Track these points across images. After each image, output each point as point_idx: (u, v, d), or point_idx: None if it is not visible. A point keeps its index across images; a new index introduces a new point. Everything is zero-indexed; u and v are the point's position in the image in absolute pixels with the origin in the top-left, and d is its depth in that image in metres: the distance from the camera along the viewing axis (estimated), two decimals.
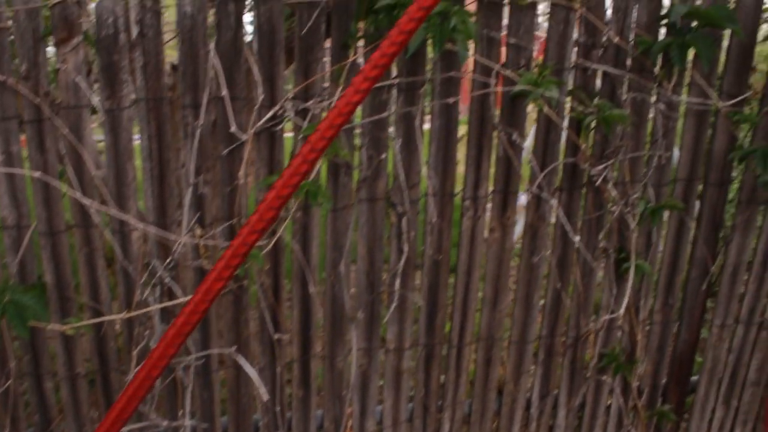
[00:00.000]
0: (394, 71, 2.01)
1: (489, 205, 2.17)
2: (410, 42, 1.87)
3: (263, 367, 2.20)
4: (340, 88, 1.95)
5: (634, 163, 2.20)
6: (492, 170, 2.14)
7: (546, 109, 2.01)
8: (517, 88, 1.95)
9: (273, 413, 2.25)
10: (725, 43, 2.22)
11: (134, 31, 1.89)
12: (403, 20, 1.04)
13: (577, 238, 2.20)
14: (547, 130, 2.11)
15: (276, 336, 2.16)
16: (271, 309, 2.13)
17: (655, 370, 2.48)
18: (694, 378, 2.59)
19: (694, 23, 2.07)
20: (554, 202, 2.12)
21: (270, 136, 1.99)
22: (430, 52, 1.97)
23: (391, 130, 2.06)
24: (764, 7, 2.18)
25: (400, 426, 2.37)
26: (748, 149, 2.18)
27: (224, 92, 1.94)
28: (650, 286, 2.36)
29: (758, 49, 2.25)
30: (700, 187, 2.31)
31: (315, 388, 2.28)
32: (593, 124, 2.07)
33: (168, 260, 2.01)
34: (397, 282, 2.16)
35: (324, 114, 1.98)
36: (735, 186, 2.64)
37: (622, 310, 2.24)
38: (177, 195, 2.04)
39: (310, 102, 1.98)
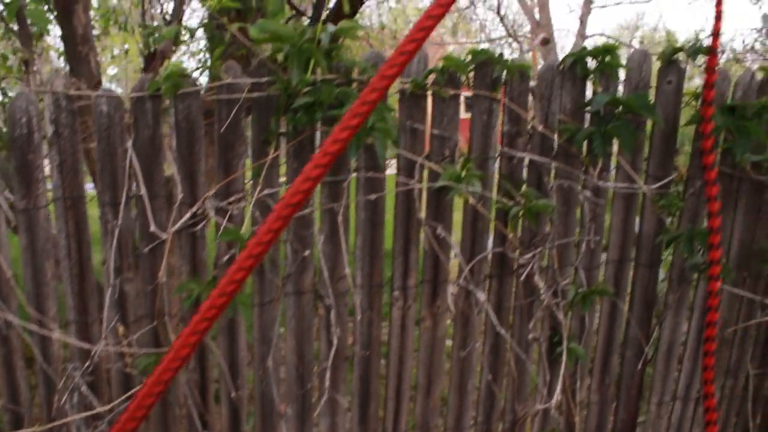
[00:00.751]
0: None
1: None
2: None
3: None
4: (259, 187, 1.92)
5: (563, 248, 2.19)
6: (421, 260, 2.12)
7: (471, 200, 2.00)
8: (440, 183, 1.94)
9: None
10: (650, 126, 2.24)
11: (49, 130, 1.86)
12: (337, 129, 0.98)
13: (502, 331, 2.18)
14: (474, 219, 2.10)
15: None
16: (198, 406, 2.07)
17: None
18: None
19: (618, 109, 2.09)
20: (480, 294, 2.10)
21: (191, 234, 1.95)
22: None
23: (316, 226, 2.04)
24: (684, 91, 2.20)
25: None
26: (674, 234, 2.19)
27: (143, 191, 1.90)
28: (586, 367, 2.34)
29: (683, 130, 2.28)
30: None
31: None
32: (520, 214, 2.07)
33: (87, 365, 1.95)
34: (328, 374, 2.11)
35: (247, 210, 1.95)
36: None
37: (555, 398, 2.22)
38: (98, 293, 1.99)
39: (232, 199, 1.95)
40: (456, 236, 2.09)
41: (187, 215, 1.91)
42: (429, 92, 2.00)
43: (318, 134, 1.96)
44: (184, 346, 1.02)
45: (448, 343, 2.43)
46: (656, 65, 2.22)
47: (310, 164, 0.92)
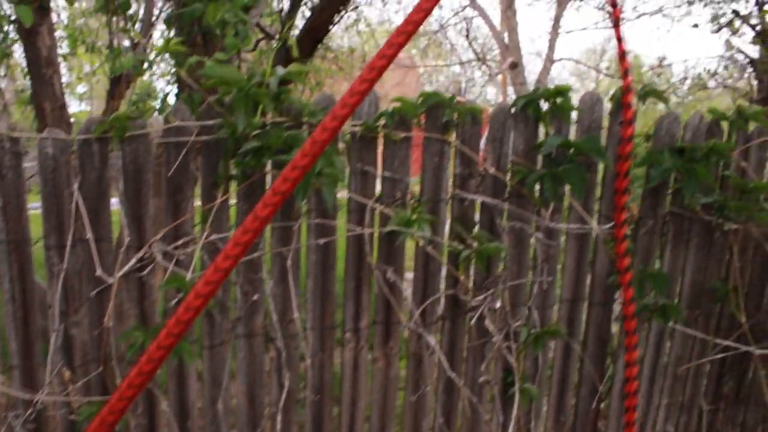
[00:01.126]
0: None
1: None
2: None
3: None
4: (207, 232, 1.90)
5: (516, 289, 2.20)
6: (373, 301, 2.11)
7: (422, 243, 2.00)
8: (389, 227, 1.94)
9: None
10: (603, 166, 2.25)
11: None
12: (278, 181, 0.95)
13: (453, 374, 2.17)
14: (426, 261, 2.10)
15: None
16: None
17: None
18: None
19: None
20: (430, 338, 2.10)
21: (138, 279, 1.92)
22: None
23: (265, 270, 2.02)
24: (635, 134, 2.22)
25: None
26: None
27: (89, 234, 1.87)
28: (541, 407, 2.34)
29: (635, 171, 2.30)
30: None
31: None
32: (472, 257, 2.07)
33: (29, 412, 1.91)
34: (279, 418, 2.09)
35: (196, 254, 1.93)
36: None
37: None
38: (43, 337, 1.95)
39: (179, 243, 1.92)
40: (410, 275, 2.09)
41: (133, 260, 1.88)
42: (380, 134, 2.00)
43: (269, 177, 1.95)
44: (130, 387, 0.99)
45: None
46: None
47: (260, 203, 0.90)
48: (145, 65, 3.60)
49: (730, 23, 5.94)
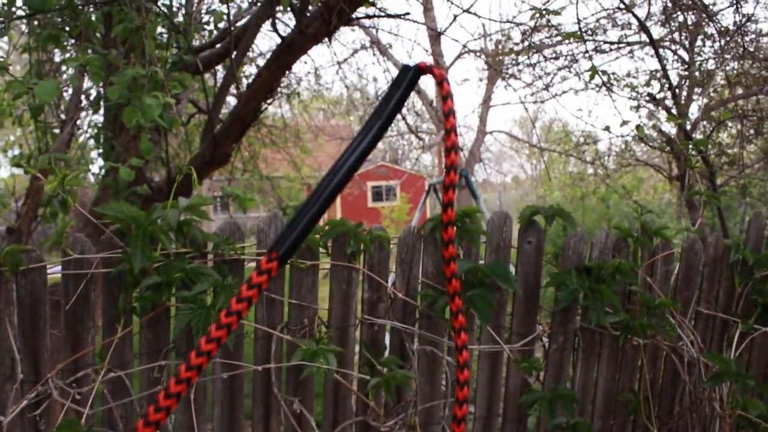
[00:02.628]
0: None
1: None
2: (177, 324, 1.80)
3: None
4: (105, 368, 1.84)
5: (429, 410, 2.18)
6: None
7: (332, 376, 1.98)
8: (294, 361, 1.91)
9: None
10: None
11: None
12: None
13: None
14: (336, 387, 2.07)
15: None
16: None
17: None
18: None
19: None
20: None
21: (34, 418, 1.85)
22: None
23: None
24: (545, 251, 2.27)
25: None
26: (535, 396, 2.21)
27: None
28: None
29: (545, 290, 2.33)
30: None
31: None
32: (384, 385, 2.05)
33: None
34: None
35: (95, 389, 1.87)
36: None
37: None
38: None
39: (79, 374, 1.86)
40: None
41: (32, 393, 1.81)
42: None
43: (173, 309, 1.91)
44: None
45: None
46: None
47: (161, 396, 0.81)
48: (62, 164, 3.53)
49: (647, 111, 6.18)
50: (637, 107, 6.41)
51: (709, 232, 4.41)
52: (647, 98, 6.26)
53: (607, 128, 5.43)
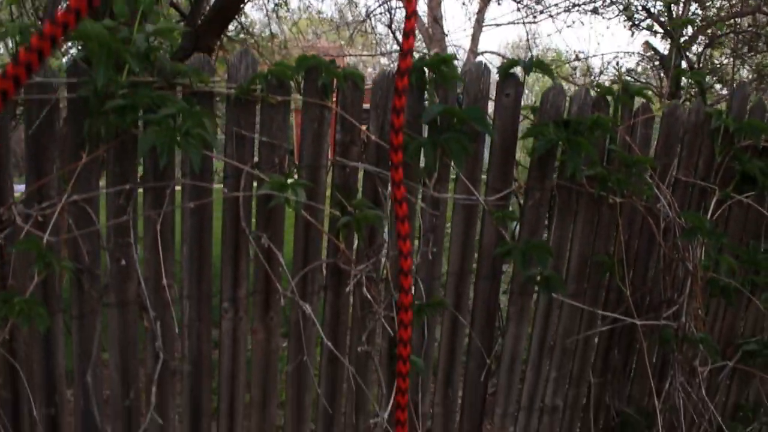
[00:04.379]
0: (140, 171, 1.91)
1: None
2: (140, 144, 1.77)
3: None
4: (68, 193, 1.81)
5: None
6: (252, 271, 2.05)
7: (297, 208, 1.95)
8: (262, 191, 1.89)
9: None
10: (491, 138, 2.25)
11: None
12: None
13: (329, 344, 2.13)
14: (307, 229, 2.06)
15: None
16: (13, 429, 1.94)
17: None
18: None
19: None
20: (307, 307, 2.06)
21: None
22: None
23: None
24: (522, 105, 2.23)
25: None
26: (509, 246, 2.20)
27: None
28: (428, 380, 2.33)
29: (522, 143, 2.30)
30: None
31: None
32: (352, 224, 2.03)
33: None
34: (154, 389, 2.02)
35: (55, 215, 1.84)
36: None
37: (389, 407, 2.19)
38: None
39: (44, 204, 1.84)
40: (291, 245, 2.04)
41: None
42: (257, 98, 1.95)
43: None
44: None
45: None
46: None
47: None
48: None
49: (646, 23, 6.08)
50: (632, 25, 6.31)
51: None
52: (644, 14, 6.16)
53: (597, 43, 5.33)
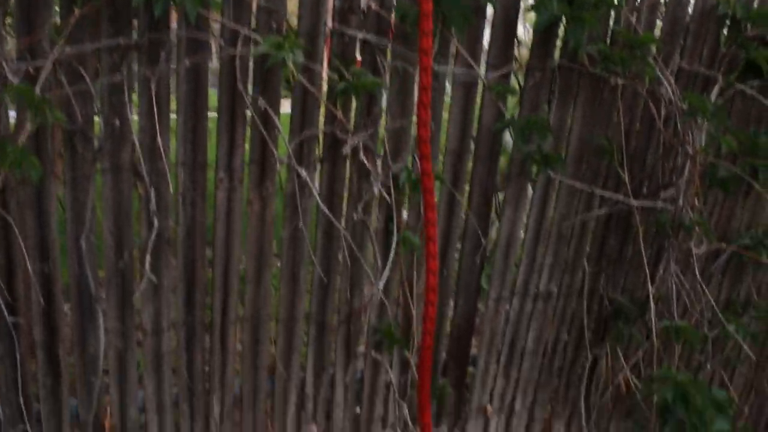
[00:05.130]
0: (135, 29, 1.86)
1: None
2: None
3: (1, 355, 2.00)
4: (60, 44, 1.76)
5: (398, 133, 2.15)
6: (248, 139, 2.03)
7: (295, 71, 1.91)
8: (259, 50, 1.84)
9: (16, 405, 2.06)
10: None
11: None
12: None
13: (326, 210, 2.11)
14: (304, 97, 2.02)
15: (11, 320, 1.96)
16: (4, 290, 1.94)
17: (433, 344, 2.46)
18: (474, 351, 2.60)
19: None
20: (303, 171, 2.03)
21: None
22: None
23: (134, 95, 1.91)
24: None
25: (165, 411, 2.24)
26: (506, 121, 2.17)
27: None
28: (423, 259, 2.32)
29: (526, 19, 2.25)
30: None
31: (66, 376, 2.11)
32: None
33: None
34: (148, 257, 2.01)
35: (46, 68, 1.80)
36: None
37: (381, 284, 2.20)
38: None
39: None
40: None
41: None
42: None
43: None
44: None
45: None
46: None
47: None
48: None
49: None
50: None
51: None
52: None
53: None
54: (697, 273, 2.40)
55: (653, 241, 2.59)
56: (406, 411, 2.43)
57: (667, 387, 2.30)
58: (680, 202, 2.29)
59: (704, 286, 2.46)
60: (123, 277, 2.04)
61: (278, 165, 2.03)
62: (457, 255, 2.39)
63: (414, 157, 2.19)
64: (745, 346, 2.61)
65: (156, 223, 2.00)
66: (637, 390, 2.67)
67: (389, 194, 2.16)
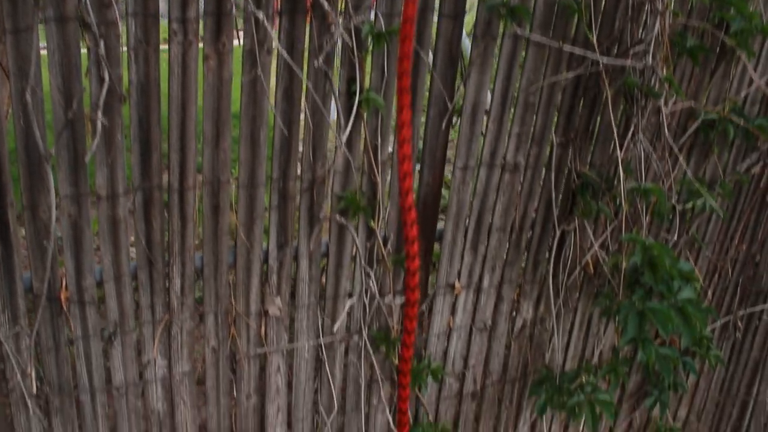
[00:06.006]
0: None
1: None
2: None
3: None
4: None
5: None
6: None
7: None
8: None
9: None
10: None
11: None
12: None
13: (289, 60, 2.02)
14: None
15: None
16: None
17: (399, 215, 2.41)
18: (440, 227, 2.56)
19: None
20: (261, 14, 1.93)
21: None
22: None
23: None
24: None
25: (122, 281, 2.17)
26: None
27: None
28: (388, 122, 2.26)
29: None
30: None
31: (17, 245, 2.02)
32: None
33: None
34: (99, 114, 1.91)
35: None
36: None
37: (344, 138, 2.13)
38: None
39: None
40: None
41: None
42: None
43: None
44: None
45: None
46: None
47: None
48: None
49: None
50: None
51: None
52: None
53: None
54: (667, 134, 2.37)
55: (622, 114, 2.56)
56: (372, 281, 2.40)
57: (636, 251, 2.30)
58: (648, 59, 2.24)
59: (676, 151, 2.43)
60: (74, 138, 1.95)
61: (234, 11, 1.92)
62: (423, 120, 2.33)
63: (377, 13, 2.10)
64: (717, 207, 2.62)
65: (107, 77, 1.90)
66: (604, 264, 2.67)
67: (352, 52, 2.08)
